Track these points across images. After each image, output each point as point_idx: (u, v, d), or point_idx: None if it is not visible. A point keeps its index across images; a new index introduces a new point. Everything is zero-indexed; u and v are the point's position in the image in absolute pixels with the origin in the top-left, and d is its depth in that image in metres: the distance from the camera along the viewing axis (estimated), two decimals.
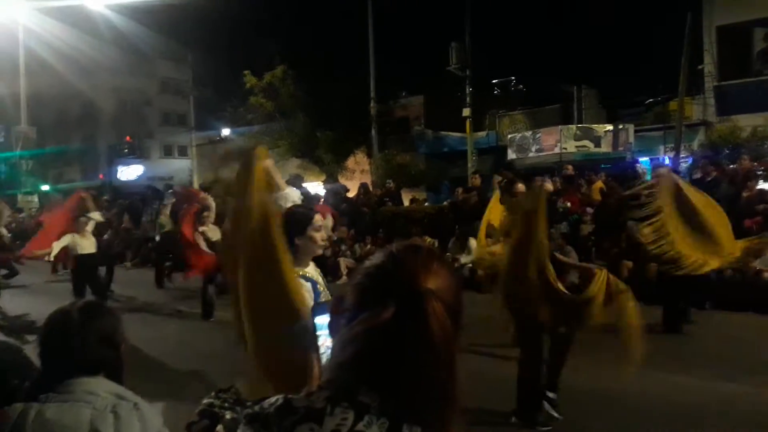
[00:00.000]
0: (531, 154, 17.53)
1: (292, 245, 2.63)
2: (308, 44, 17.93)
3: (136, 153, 31.36)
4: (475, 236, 11.42)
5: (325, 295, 2.71)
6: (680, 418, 4.30)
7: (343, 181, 17.42)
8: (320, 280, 2.78)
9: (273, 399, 0.96)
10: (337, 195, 13.39)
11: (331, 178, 16.36)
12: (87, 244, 8.28)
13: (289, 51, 18.43)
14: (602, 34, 20.77)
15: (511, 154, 18.05)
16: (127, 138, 30.42)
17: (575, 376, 4.51)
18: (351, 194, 14.54)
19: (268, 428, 0.93)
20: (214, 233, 8.40)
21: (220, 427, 1.08)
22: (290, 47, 18.26)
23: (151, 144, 34.44)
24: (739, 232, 8.44)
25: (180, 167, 31.72)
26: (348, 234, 12.66)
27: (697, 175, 10.91)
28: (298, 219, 2.71)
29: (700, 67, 15.40)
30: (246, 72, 19.08)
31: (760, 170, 12.30)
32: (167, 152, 35.25)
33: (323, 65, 17.94)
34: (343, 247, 12.27)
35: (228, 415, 1.19)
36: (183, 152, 33.56)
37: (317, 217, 2.77)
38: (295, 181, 15.70)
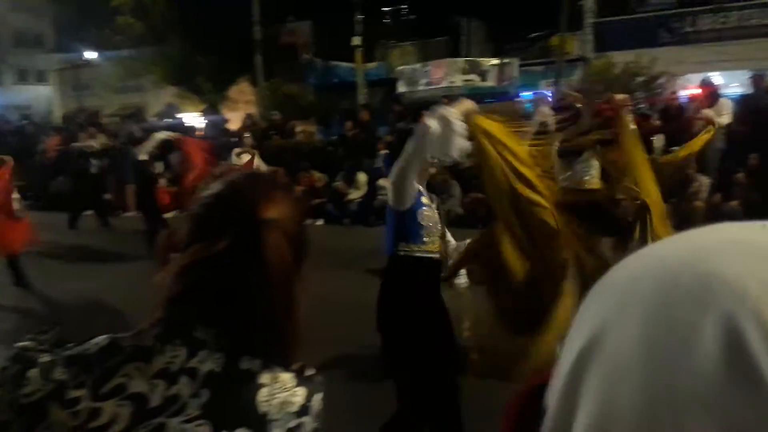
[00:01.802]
0: (420, 87, 17.45)
1: None
2: None
3: None
4: (363, 170, 11.41)
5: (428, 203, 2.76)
6: None
7: (225, 112, 16.36)
8: (427, 199, 2.77)
9: (98, 339, 0.90)
10: (216, 127, 12.54)
11: (211, 109, 15.26)
12: None
13: None
14: None
15: (401, 87, 17.86)
16: None
17: None
18: (234, 126, 13.70)
19: (89, 371, 0.86)
20: None
21: (34, 371, 0.91)
22: None
23: (2, 68, 30.34)
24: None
25: (38, 95, 28.27)
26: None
27: None
28: (401, 138, 2.68)
29: (580, 3, 15.81)
30: None
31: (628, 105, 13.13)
32: (22, 77, 31.16)
33: None
34: None
35: (45, 358, 1.00)
36: (41, 77, 29.81)
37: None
38: (170, 111, 14.58)
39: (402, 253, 2.71)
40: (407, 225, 2.69)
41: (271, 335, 0.91)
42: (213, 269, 0.88)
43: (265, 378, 0.91)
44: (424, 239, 2.71)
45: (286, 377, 0.93)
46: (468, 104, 2.79)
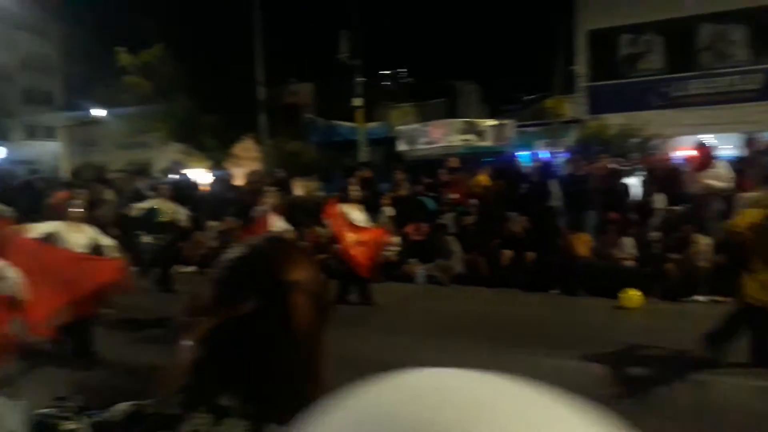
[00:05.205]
0: (420, 146, 17.92)
1: None
2: (189, 23, 16.94)
3: None
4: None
5: None
6: None
7: (230, 168, 16.73)
8: None
9: (122, 405, 0.90)
10: (223, 182, 12.83)
11: (216, 166, 15.61)
12: None
13: (168, 29, 17.33)
14: (485, 35, 21.59)
15: (401, 146, 18.33)
16: None
17: None
18: (239, 182, 13.99)
19: None
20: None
21: None
22: (169, 25, 17.16)
23: (11, 124, 31.00)
24: (605, 224, 9.22)
25: (45, 150, 28.85)
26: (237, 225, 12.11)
27: (570, 170, 11.66)
28: None
29: (571, 68, 16.47)
30: (119, 49, 17.68)
31: (626, 167, 13.43)
32: (30, 134, 31.85)
33: (206, 46, 17.04)
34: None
35: (69, 425, 1.00)
36: (49, 134, 30.44)
37: None
38: (175, 168, 14.89)
39: None
40: None
41: (298, 401, 0.85)
42: (238, 333, 0.86)
43: None
44: None
45: None
46: None
